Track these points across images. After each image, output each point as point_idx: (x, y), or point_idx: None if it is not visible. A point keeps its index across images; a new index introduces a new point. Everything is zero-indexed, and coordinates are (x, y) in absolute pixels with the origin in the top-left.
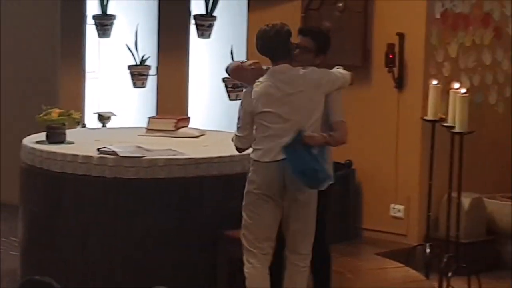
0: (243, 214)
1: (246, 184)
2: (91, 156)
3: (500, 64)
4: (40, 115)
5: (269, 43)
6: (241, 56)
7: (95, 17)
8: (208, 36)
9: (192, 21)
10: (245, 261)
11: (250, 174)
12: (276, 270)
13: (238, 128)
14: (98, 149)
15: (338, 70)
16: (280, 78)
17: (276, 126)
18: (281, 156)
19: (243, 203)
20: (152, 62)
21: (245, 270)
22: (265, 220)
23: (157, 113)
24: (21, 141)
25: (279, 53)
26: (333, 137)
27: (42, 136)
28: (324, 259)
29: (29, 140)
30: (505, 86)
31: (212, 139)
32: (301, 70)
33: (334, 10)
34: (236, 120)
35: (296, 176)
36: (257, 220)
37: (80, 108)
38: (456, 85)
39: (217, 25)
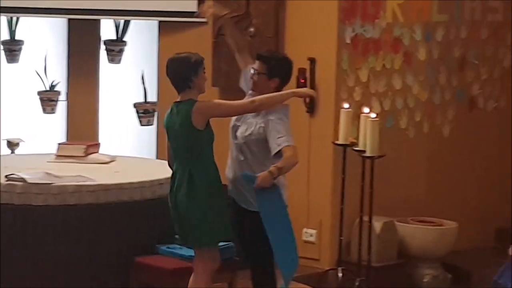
0: None
1: None
2: None
3: (410, 88)
4: None
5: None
6: (152, 82)
7: (3, 42)
8: (119, 62)
9: (103, 46)
10: None
11: None
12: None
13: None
14: (6, 176)
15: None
16: None
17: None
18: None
19: None
20: (62, 87)
21: None
22: None
23: (68, 139)
24: None
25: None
26: (278, 167)
27: None
28: None
29: None
30: (415, 110)
31: (123, 165)
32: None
33: (246, 35)
34: None
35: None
36: None
37: None
38: (366, 109)
39: (127, 50)
